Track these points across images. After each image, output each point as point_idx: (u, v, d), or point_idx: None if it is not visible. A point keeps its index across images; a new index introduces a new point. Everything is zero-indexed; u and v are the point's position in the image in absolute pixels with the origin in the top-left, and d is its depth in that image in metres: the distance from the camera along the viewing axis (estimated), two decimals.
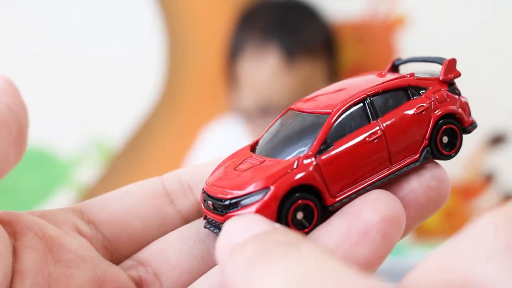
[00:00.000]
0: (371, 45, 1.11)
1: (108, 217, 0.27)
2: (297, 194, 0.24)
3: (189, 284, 0.26)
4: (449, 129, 0.28)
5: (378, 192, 0.24)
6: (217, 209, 0.25)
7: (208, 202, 0.26)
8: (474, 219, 0.18)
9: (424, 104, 0.27)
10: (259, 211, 0.24)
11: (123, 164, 1.15)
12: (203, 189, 0.27)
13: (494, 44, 1.09)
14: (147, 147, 1.15)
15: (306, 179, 0.24)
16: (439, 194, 0.26)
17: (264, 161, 0.25)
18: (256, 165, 0.25)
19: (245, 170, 0.26)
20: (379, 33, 1.10)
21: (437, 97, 0.28)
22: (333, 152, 0.25)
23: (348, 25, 1.11)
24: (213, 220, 0.26)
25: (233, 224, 0.22)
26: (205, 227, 0.26)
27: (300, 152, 0.25)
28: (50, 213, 0.26)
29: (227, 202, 0.25)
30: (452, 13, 1.10)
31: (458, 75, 0.28)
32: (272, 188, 0.24)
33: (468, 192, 1.13)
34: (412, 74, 0.28)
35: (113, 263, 0.26)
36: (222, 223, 0.25)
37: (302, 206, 0.24)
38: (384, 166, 0.26)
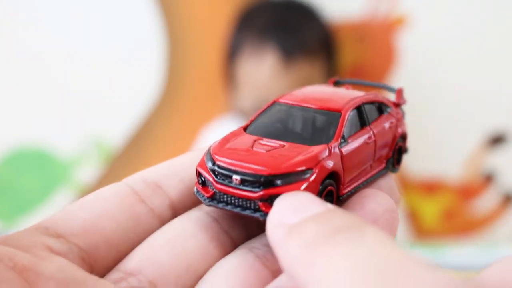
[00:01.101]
0: (371, 45, 1.11)
1: (79, 227, 0.24)
2: (328, 180, 0.25)
3: (192, 284, 0.24)
4: (399, 147, 0.31)
5: (372, 190, 0.25)
6: (249, 185, 0.24)
7: (234, 177, 0.25)
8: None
9: (393, 121, 0.30)
10: (305, 189, 0.24)
11: (123, 164, 1.15)
12: (213, 163, 0.26)
13: (494, 44, 1.09)
14: (147, 147, 1.15)
15: (337, 167, 0.26)
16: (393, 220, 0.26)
17: (285, 145, 0.26)
18: (281, 147, 0.26)
19: (271, 149, 0.25)
20: (379, 33, 1.10)
21: (398, 117, 0.31)
22: (349, 147, 0.27)
23: (348, 25, 1.11)
24: (233, 197, 0.25)
25: (284, 203, 0.21)
26: (210, 205, 0.26)
27: (322, 142, 0.26)
28: (13, 237, 0.23)
29: (268, 178, 0.24)
30: (452, 13, 1.10)
31: (406, 102, 0.32)
32: (316, 170, 0.24)
33: (468, 192, 1.13)
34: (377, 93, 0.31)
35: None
36: (254, 200, 0.24)
37: (328, 192, 0.25)
38: (369, 169, 0.28)
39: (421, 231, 1.14)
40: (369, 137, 0.28)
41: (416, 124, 1.13)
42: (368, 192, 0.25)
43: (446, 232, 1.15)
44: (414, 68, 1.11)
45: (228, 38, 1.05)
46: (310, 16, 1.04)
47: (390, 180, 0.28)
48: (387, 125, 0.30)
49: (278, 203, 0.22)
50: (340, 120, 0.27)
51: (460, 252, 0.83)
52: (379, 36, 1.11)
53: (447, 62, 1.10)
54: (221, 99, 1.10)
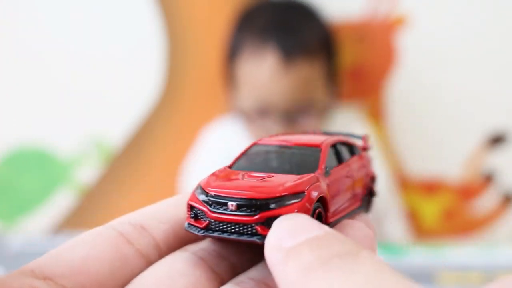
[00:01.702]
0: (371, 45, 1.11)
1: (66, 269, 0.24)
2: (317, 203, 0.26)
3: None
4: (370, 189, 0.33)
5: (351, 220, 0.27)
6: (246, 210, 0.25)
7: (230, 203, 0.25)
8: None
9: (364, 162, 0.33)
10: (299, 211, 0.25)
11: (123, 164, 1.15)
12: (207, 194, 0.26)
13: (494, 44, 1.09)
14: (147, 147, 1.15)
15: (325, 192, 0.27)
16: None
17: (273, 176, 0.27)
18: (270, 177, 0.27)
19: (261, 179, 0.27)
20: (379, 33, 1.10)
21: (368, 160, 0.33)
22: (332, 177, 0.28)
23: (348, 25, 1.11)
24: (229, 224, 0.26)
25: (282, 225, 0.22)
26: (204, 235, 0.26)
27: (307, 173, 0.27)
28: None
29: (264, 202, 0.25)
30: (452, 13, 1.10)
31: (371, 148, 0.35)
32: (307, 193, 0.26)
33: (468, 192, 1.13)
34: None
35: None
36: (251, 224, 0.25)
37: (317, 215, 0.26)
38: (348, 205, 0.30)
39: (421, 231, 1.14)
40: (348, 172, 0.30)
41: (416, 124, 1.13)
42: (348, 221, 0.26)
43: (446, 232, 1.15)
44: (414, 68, 1.11)
45: (228, 38, 1.05)
46: (310, 16, 1.04)
47: (366, 215, 0.30)
48: (360, 165, 0.32)
49: (275, 226, 0.22)
50: (322, 153, 0.29)
51: (460, 252, 0.83)
52: (379, 36, 1.11)
53: (447, 62, 1.10)
54: (221, 99, 1.10)
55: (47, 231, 1.15)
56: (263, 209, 0.25)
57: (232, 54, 1.02)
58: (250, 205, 0.25)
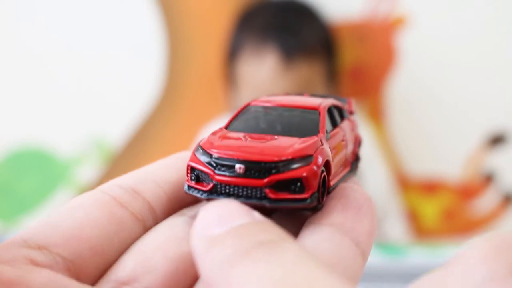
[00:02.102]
0: (371, 45, 1.11)
1: (61, 237, 0.23)
2: (323, 167, 0.26)
3: (191, 285, 0.23)
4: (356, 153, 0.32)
5: (349, 183, 0.26)
6: (254, 173, 0.25)
7: (238, 166, 0.25)
8: (462, 248, 0.18)
9: (353, 126, 0.32)
10: (309, 174, 0.24)
11: (123, 164, 1.15)
12: (210, 155, 0.26)
13: (494, 44, 1.09)
14: (147, 147, 1.15)
15: (329, 156, 0.26)
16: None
17: (276, 138, 0.26)
18: (273, 139, 0.26)
19: (266, 141, 0.26)
20: (379, 33, 1.10)
21: (355, 123, 0.32)
22: (332, 140, 0.28)
23: (348, 25, 1.11)
24: (236, 187, 0.25)
25: (209, 212, 0.21)
26: (209, 198, 0.25)
27: (309, 135, 0.27)
28: None
29: (274, 165, 0.24)
30: (452, 13, 1.10)
31: (356, 112, 0.34)
32: (314, 156, 0.25)
33: (468, 192, 1.13)
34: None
35: None
36: (260, 187, 0.24)
37: (323, 179, 0.26)
38: (342, 169, 0.29)
39: (421, 231, 1.14)
40: (343, 135, 0.29)
41: (416, 124, 1.13)
42: (347, 184, 0.26)
43: (446, 232, 1.15)
44: (414, 68, 1.11)
45: (228, 38, 1.05)
46: (310, 17, 1.04)
47: (356, 179, 0.29)
48: (350, 128, 0.31)
49: (203, 212, 0.21)
50: (321, 116, 0.28)
51: None
52: (379, 36, 1.11)
53: (447, 62, 1.10)
54: (221, 99, 1.10)
55: None
56: (272, 172, 0.24)
57: (232, 54, 1.02)
58: (259, 167, 0.24)
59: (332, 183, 0.27)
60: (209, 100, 1.15)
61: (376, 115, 1.13)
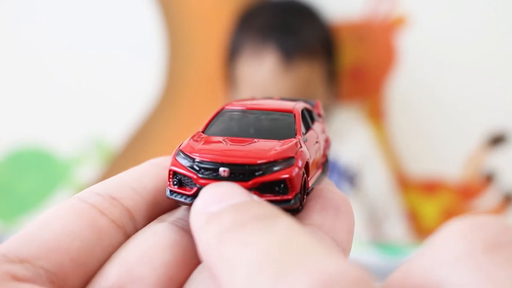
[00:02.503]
0: (371, 45, 1.11)
1: (42, 248, 0.22)
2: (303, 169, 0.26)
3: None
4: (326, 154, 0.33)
5: (325, 184, 0.27)
6: (238, 176, 0.25)
7: (222, 169, 0.25)
8: (441, 227, 0.19)
9: (323, 128, 0.33)
10: (292, 176, 0.25)
11: (123, 164, 1.15)
12: (192, 159, 0.26)
13: (494, 44, 1.09)
14: (147, 147, 1.15)
15: (309, 157, 0.27)
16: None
17: (256, 141, 0.27)
18: (253, 142, 0.26)
19: (246, 144, 0.26)
20: (379, 33, 1.10)
21: (324, 125, 0.33)
22: (308, 142, 0.28)
23: (348, 25, 1.11)
24: None
25: (209, 192, 0.22)
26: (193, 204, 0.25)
27: (287, 137, 0.27)
28: None
29: (258, 167, 0.25)
30: (452, 13, 1.10)
31: (323, 115, 0.34)
32: (295, 157, 0.26)
33: (468, 192, 1.13)
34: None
35: None
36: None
37: (303, 181, 0.26)
38: (316, 169, 0.29)
39: (421, 231, 1.14)
40: (316, 137, 0.30)
41: (416, 124, 1.13)
42: (323, 186, 0.27)
43: None
44: (414, 68, 1.11)
45: (228, 39, 1.05)
46: (310, 17, 1.04)
47: (329, 180, 0.30)
48: (321, 130, 0.32)
49: (203, 192, 0.22)
50: (296, 119, 0.28)
51: None
52: (379, 36, 1.11)
53: (447, 62, 1.10)
54: (221, 99, 1.10)
55: None
56: (256, 175, 0.25)
57: (232, 54, 1.02)
58: (243, 170, 0.25)
59: (310, 183, 0.27)
60: (209, 100, 1.15)
61: (376, 115, 1.13)
